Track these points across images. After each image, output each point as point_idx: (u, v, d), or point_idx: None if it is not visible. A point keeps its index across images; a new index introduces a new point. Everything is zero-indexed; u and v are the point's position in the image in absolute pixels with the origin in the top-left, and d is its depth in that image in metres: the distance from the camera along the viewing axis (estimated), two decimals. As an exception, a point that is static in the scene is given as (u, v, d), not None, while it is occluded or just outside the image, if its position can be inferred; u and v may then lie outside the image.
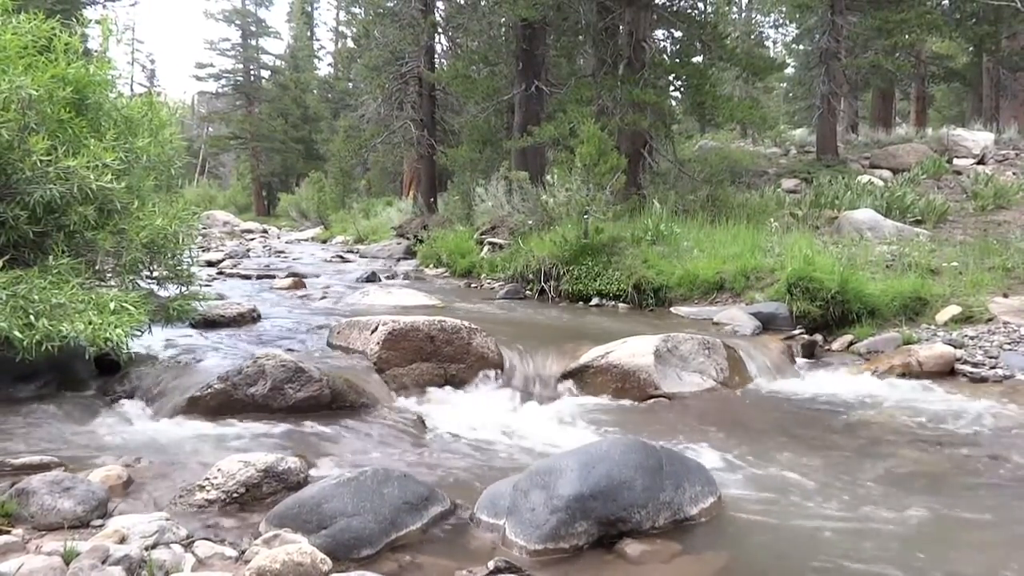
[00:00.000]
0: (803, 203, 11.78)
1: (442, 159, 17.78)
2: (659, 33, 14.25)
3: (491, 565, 2.42)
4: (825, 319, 6.47)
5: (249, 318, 6.19)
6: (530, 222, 10.51)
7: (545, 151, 14.31)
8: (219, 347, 5.20)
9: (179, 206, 5.05)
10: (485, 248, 11.63)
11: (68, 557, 2.23)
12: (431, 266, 12.54)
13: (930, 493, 3.24)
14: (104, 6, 19.59)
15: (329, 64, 43.65)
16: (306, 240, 22.50)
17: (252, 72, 38.72)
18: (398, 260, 14.53)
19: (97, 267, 4.52)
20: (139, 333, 4.36)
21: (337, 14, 44.28)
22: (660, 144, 13.29)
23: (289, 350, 4.80)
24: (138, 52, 49.92)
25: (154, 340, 5.02)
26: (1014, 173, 13.40)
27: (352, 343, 5.12)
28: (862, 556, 2.61)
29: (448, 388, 4.82)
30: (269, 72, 39.66)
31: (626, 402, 4.73)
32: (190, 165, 40.23)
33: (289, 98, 37.68)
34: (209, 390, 4.08)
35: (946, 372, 5.33)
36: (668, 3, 13.49)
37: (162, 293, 5.17)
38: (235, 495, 2.85)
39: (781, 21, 29.33)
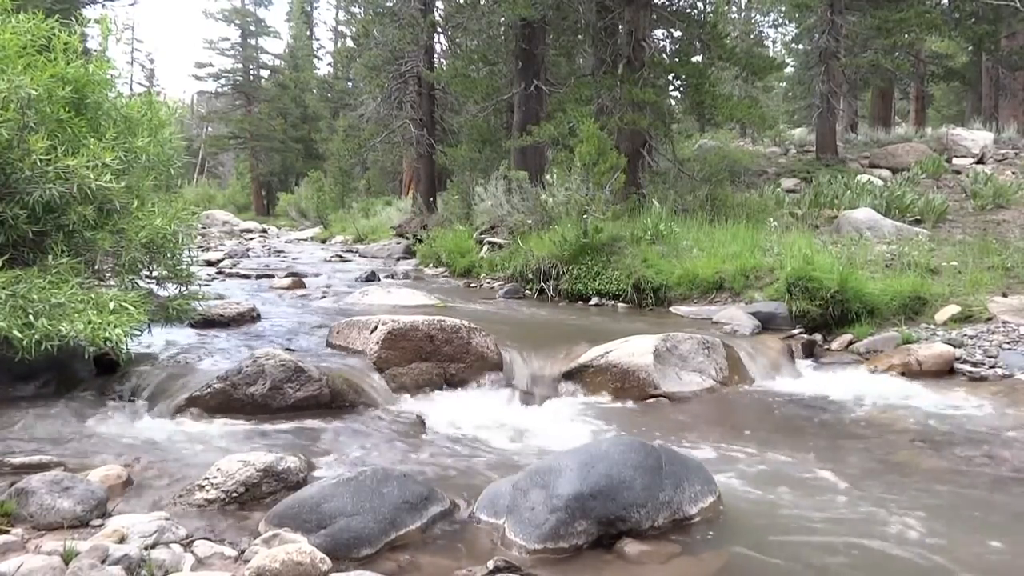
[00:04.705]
0: (802, 202, 11.79)
1: (441, 158, 17.77)
2: (658, 32, 14.23)
3: (490, 565, 2.42)
4: (824, 318, 6.47)
5: (248, 317, 6.19)
6: (529, 221, 10.51)
7: (544, 150, 14.30)
8: (218, 347, 5.20)
9: (178, 206, 5.05)
10: (484, 247, 11.63)
11: (67, 557, 2.23)
12: (430, 265, 12.53)
13: (929, 492, 3.25)
14: (103, 5, 19.55)
15: (328, 64, 43.65)
16: (305, 240, 22.47)
17: (251, 72, 38.73)
18: (397, 260, 14.53)
19: (96, 267, 4.51)
20: (138, 333, 4.36)
21: (336, 14, 44.31)
22: (659, 143, 13.28)
23: (288, 349, 4.79)
24: (137, 52, 50.07)
25: (153, 340, 5.03)
26: (1013, 172, 13.40)
27: (352, 343, 5.12)
28: (861, 556, 2.62)
29: (448, 388, 4.82)
30: (268, 72, 39.66)
31: (626, 402, 4.73)
32: (189, 165, 40.29)
33: (288, 98, 37.68)
34: (208, 389, 4.09)
35: (945, 371, 5.34)
36: (667, 2, 13.48)
37: (161, 293, 5.17)
38: (234, 495, 2.85)
39: (780, 20, 29.32)
